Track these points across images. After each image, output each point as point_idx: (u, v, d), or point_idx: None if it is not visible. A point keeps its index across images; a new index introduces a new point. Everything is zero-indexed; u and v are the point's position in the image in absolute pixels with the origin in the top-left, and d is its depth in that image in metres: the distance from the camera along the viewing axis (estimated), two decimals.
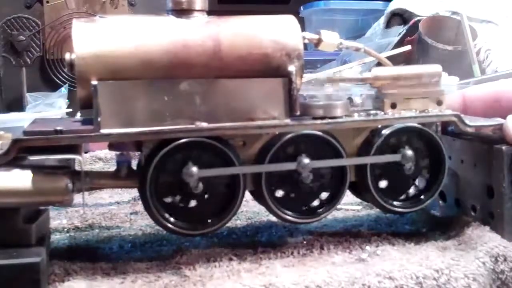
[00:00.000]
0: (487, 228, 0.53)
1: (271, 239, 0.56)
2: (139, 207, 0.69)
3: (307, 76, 0.57)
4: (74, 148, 0.47)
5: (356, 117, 0.52)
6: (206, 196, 0.50)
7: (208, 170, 0.49)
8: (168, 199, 0.50)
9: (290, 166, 0.51)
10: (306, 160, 0.50)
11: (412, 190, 0.55)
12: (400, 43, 1.55)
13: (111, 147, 0.51)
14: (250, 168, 0.51)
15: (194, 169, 0.48)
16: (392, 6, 1.72)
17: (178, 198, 0.50)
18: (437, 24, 1.58)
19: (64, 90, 1.61)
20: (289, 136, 0.50)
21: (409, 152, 0.53)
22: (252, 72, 0.50)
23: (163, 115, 0.48)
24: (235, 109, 0.49)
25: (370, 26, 1.87)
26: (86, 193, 0.49)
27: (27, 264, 0.43)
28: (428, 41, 1.49)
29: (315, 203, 0.53)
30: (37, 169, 0.46)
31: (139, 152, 0.50)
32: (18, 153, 0.45)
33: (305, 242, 0.53)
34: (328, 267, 0.47)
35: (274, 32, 0.51)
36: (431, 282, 0.45)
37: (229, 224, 0.52)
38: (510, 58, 1.42)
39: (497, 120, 0.54)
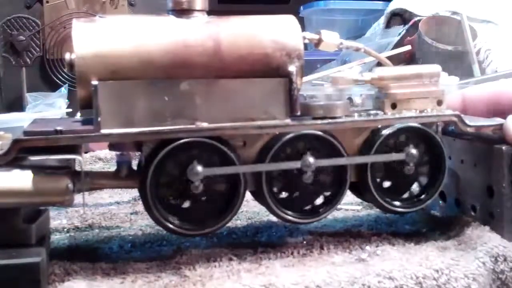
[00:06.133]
0: (487, 228, 0.53)
1: (271, 239, 0.56)
2: (139, 207, 0.69)
3: (309, 76, 0.57)
4: (74, 148, 0.47)
5: (356, 117, 0.52)
6: (206, 196, 0.50)
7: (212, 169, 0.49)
8: (168, 199, 0.50)
9: (294, 165, 0.51)
10: (311, 159, 0.50)
11: (412, 190, 0.56)
12: (400, 43, 1.55)
13: (111, 147, 0.51)
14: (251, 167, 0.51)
15: (199, 168, 0.48)
16: (392, 6, 1.73)
17: (178, 198, 0.50)
18: (437, 24, 1.58)
19: (64, 90, 1.61)
20: (289, 136, 0.50)
21: (414, 151, 0.53)
22: (252, 72, 0.50)
23: (163, 115, 0.48)
24: (235, 109, 0.49)
25: (370, 26, 1.87)
26: (86, 193, 0.49)
27: (27, 264, 0.43)
28: (428, 41, 1.49)
29: (316, 203, 0.53)
30: (37, 169, 0.46)
31: (139, 152, 0.50)
32: (18, 153, 0.45)
33: (305, 242, 0.53)
34: (328, 267, 0.47)
35: (274, 32, 0.51)
36: (431, 282, 0.45)
37: (229, 224, 0.52)
38: (510, 58, 1.42)
39: (497, 120, 0.54)
